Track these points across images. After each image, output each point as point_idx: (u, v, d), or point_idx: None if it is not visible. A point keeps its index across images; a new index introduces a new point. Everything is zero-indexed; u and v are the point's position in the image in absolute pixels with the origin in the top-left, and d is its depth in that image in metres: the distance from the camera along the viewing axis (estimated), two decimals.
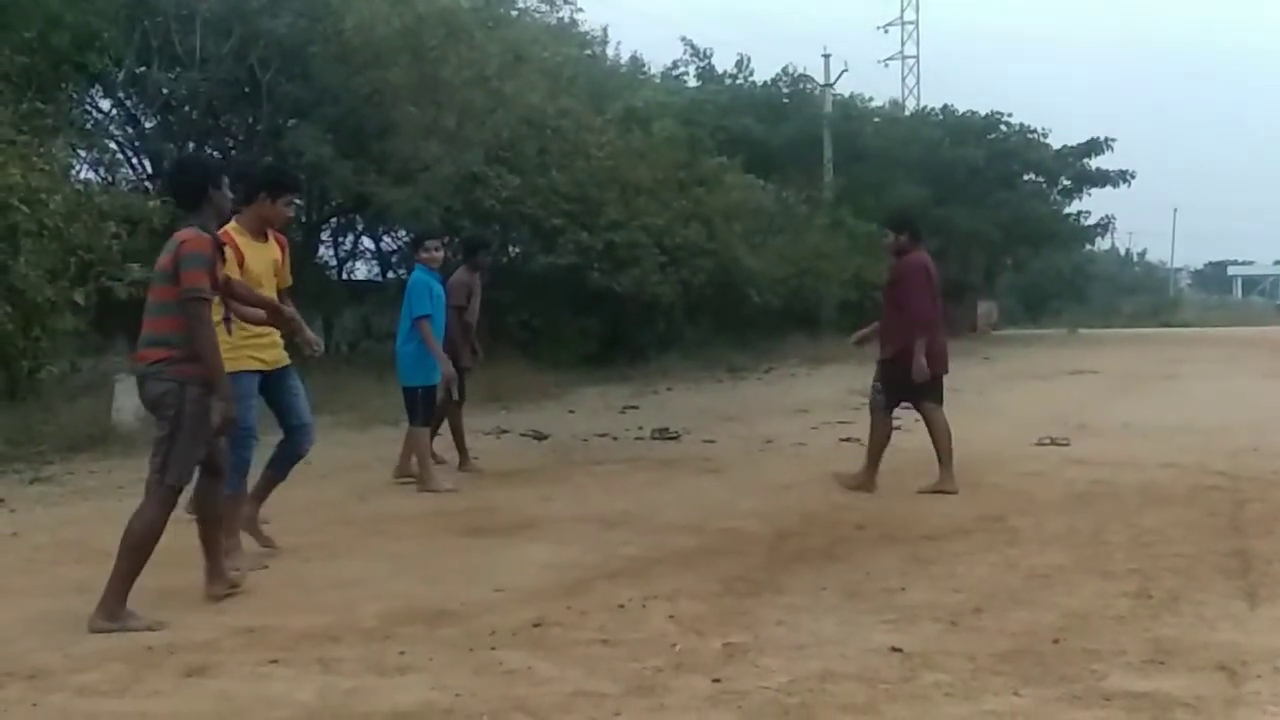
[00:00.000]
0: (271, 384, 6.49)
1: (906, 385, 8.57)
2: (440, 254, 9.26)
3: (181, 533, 6.81)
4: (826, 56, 37.09)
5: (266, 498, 6.75)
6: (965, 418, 14.14)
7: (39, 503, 8.40)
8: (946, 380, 8.90)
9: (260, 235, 6.43)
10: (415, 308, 8.91)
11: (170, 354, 5.23)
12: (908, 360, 8.45)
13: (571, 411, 15.15)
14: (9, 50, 12.67)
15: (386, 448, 9.30)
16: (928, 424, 8.72)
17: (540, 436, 12.29)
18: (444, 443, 10.03)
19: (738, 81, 35.64)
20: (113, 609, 5.10)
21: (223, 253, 5.59)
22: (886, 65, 51.03)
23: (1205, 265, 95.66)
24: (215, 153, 17.71)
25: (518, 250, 21.24)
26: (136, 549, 5.15)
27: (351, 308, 20.71)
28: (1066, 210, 41.01)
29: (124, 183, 15.56)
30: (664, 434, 12.36)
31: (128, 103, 16.85)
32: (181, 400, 5.18)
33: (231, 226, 6.28)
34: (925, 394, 8.68)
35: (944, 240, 36.14)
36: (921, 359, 8.38)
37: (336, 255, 21.98)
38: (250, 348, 6.31)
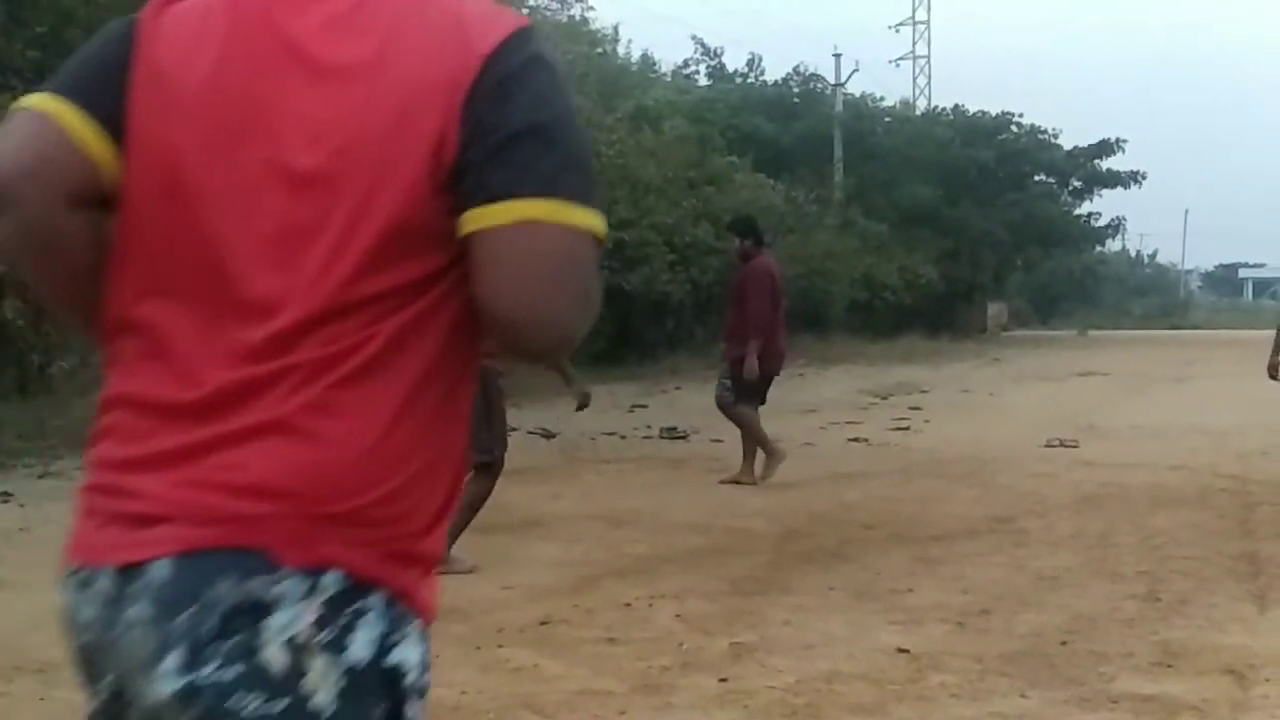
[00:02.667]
0: None
1: (755, 382, 9.12)
2: None
3: None
4: (837, 56, 36.95)
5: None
6: (975, 419, 14.18)
7: (48, 497, 8.40)
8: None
9: None
10: None
11: None
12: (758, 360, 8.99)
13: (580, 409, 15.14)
14: (22, 45, 12.68)
15: None
16: (740, 421, 9.22)
17: (549, 434, 12.28)
18: None
19: (748, 80, 35.62)
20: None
21: None
22: (897, 65, 50.75)
23: (1216, 267, 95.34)
24: None
25: None
26: (470, 507, 5.82)
27: None
28: (1077, 211, 40.89)
29: None
30: (672, 433, 12.35)
31: None
32: (488, 382, 5.70)
33: None
34: (756, 391, 9.17)
35: (954, 241, 36.11)
36: (754, 360, 8.90)
37: None
38: None
